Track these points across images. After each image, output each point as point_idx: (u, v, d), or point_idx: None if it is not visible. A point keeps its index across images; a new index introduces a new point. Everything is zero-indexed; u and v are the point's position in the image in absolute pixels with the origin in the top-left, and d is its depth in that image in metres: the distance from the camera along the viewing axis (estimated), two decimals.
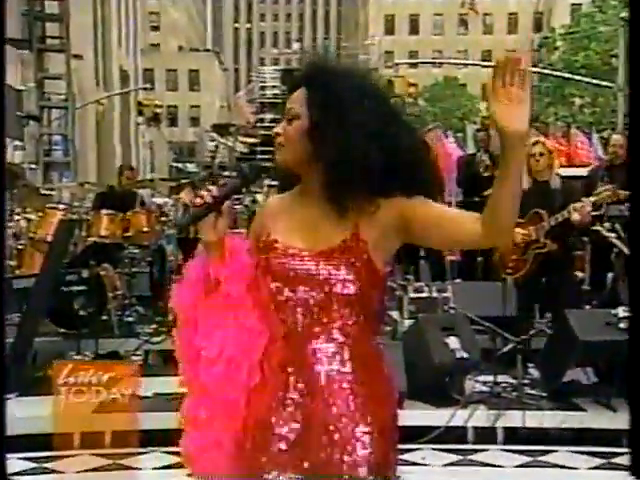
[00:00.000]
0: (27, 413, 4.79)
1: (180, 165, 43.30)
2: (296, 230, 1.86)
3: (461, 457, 4.60)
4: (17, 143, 19.61)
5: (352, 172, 1.80)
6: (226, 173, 22.17)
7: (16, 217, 8.97)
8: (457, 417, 4.77)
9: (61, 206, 7.73)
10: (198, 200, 1.86)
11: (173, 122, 58.23)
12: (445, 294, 6.53)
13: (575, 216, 5.50)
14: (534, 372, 5.55)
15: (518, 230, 5.77)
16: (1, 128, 2.67)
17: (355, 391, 1.83)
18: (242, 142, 34.20)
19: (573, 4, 49.97)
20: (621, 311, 4.88)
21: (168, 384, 4.03)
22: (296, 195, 1.93)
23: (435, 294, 6.57)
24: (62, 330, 6.70)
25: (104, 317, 7.06)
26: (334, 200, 1.84)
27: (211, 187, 1.86)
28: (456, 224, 1.80)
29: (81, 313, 6.71)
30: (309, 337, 1.83)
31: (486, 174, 8.16)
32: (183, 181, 14.76)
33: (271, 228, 1.89)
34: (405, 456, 4.34)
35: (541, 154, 5.74)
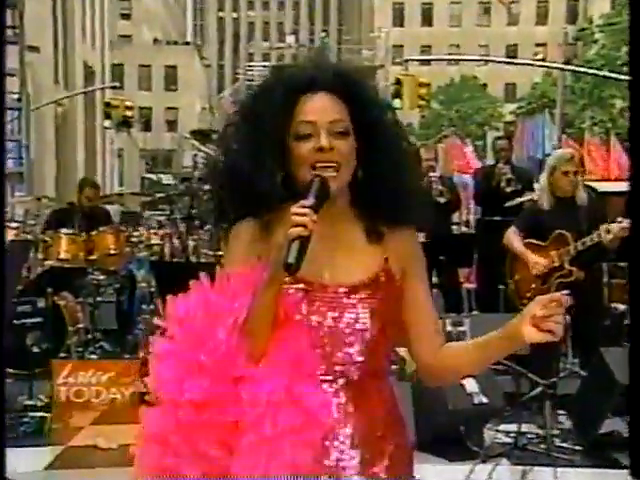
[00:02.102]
0: None
1: (154, 177, 43.45)
2: (317, 260, 1.88)
3: None
4: None
5: (404, 200, 1.96)
6: (208, 187, 22.20)
7: None
8: (476, 473, 4.77)
9: (13, 224, 7.79)
10: (299, 230, 1.74)
11: (146, 126, 58.51)
12: (461, 328, 6.54)
13: (608, 237, 5.50)
14: (566, 421, 5.55)
15: (536, 258, 5.81)
16: (1, 127, 2.81)
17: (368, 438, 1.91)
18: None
19: None
20: None
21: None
22: None
23: (449, 328, 6.57)
24: (12, 370, 6.69)
25: (63, 355, 7.06)
26: (372, 228, 1.96)
27: (306, 210, 1.75)
28: (415, 331, 2.00)
29: (35, 350, 6.71)
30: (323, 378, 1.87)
31: (508, 189, 8.22)
32: (158, 195, 14.84)
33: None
34: None
35: (575, 173, 5.78)
